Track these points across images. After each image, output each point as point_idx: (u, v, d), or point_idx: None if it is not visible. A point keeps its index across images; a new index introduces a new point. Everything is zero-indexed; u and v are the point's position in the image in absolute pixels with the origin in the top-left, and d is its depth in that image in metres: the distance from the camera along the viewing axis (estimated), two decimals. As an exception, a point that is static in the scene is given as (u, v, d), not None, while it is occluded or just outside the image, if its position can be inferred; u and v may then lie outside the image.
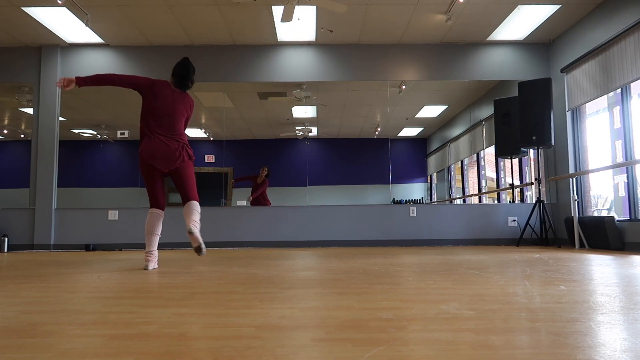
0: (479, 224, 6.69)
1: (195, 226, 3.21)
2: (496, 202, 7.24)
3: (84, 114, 6.97)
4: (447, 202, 7.23)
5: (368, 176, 7.04)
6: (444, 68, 6.89)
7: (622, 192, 5.50)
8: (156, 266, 3.44)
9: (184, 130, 3.53)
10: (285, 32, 6.43)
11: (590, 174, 6.20)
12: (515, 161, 7.03)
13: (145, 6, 5.67)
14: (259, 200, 6.92)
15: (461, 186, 7.47)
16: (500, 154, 6.53)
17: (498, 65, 6.89)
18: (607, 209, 7.07)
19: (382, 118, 7.09)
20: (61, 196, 6.66)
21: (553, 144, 5.99)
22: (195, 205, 3.36)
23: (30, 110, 6.77)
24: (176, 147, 3.36)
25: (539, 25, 6.29)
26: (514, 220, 6.69)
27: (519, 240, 6.15)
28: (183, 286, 2.36)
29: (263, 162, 6.99)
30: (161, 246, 6.56)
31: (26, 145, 6.73)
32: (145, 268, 3.30)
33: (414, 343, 1.19)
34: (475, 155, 7.36)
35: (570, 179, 6.21)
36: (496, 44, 6.90)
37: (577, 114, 6.34)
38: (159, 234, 3.40)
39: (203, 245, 3.16)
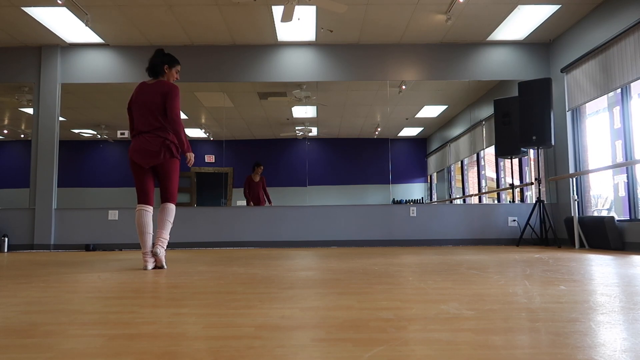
0: (479, 224, 6.69)
1: (162, 246, 3.33)
2: (496, 202, 7.24)
3: (84, 114, 6.97)
4: (447, 202, 7.23)
5: (368, 176, 7.04)
6: (444, 68, 6.89)
7: (622, 192, 5.50)
8: (164, 264, 3.46)
9: (165, 120, 3.38)
10: (285, 32, 6.43)
11: (590, 174, 6.20)
12: (515, 161, 7.03)
13: (145, 6, 5.67)
14: (259, 199, 6.90)
15: (461, 186, 7.46)
16: (500, 154, 6.53)
17: (498, 65, 6.89)
18: (607, 209, 7.08)
19: (382, 118, 7.09)
20: (61, 196, 6.66)
21: (553, 144, 5.99)
22: (169, 211, 3.41)
23: (30, 110, 6.77)
24: (157, 143, 3.34)
25: (538, 25, 6.29)
26: (514, 220, 6.69)
27: (519, 240, 6.14)
28: (183, 286, 2.36)
29: (263, 162, 6.98)
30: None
31: (26, 145, 6.73)
32: (145, 268, 3.31)
33: (414, 343, 1.19)
34: (475, 155, 7.36)
35: (570, 179, 6.21)
36: (496, 44, 6.90)
37: (577, 114, 6.34)
38: (151, 232, 3.41)
39: (165, 265, 3.38)
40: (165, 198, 3.45)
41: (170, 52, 6.85)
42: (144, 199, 3.41)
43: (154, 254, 3.32)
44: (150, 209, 3.42)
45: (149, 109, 3.38)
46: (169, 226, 3.40)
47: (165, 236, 3.38)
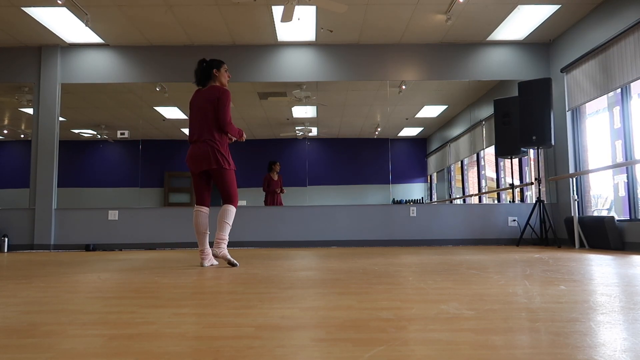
0: (479, 224, 6.69)
1: (220, 246, 3.43)
2: (496, 202, 7.24)
3: (84, 114, 6.97)
4: (447, 202, 7.23)
5: (368, 176, 7.04)
6: (444, 68, 6.89)
7: (622, 192, 5.50)
8: (215, 262, 3.62)
9: (216, 128, 3.49)
10: (285, 32, 6.43)
11: (590, 174, 6.20)
12: (515, 161, 7.03)
13: (145, 6, 5.67)
14: (276, 199, 6.90)
15: (461, 186, 7.46)
16: (500, 154, 6.53)
17: (498, 65, 6.89)
18: (607, 209, 7.08)
19: (382, 118, 7.09)
20: (61, 196, 6.66)
21: (553, 144, 5.99)
22: (225, 212, 3.48)
23: (30, 110, 6.77)
24: (205, 149, 3.47)
25: (538, 25, 6.29)
26: (514, 220, 6.69)
27: (519, 240, 6.14)
28: (183, 286, 2.36)
29: (263, 162, 6.99)
30: (160, 246, 6.56)
31: (26, 145, 6.73)
32: (201, 265, 3.54)
33: (414, 343, 1.19)
34: (475, 155, 7.36)
35: (570, 179, 6.21)
36: (496, 44, 6.90)
37: (577, 114, 6.34)
38: (207, 231, 3.57)
39: (233, 261, 3.47)
40: (224, 200, 3.57)
41: (171, 52, 6.86)
42: (198, 200, 3.60)
43: (214, 255, 3.45)
44: (204, 209, 3.59)
45: (200, 119, 3.51)
46: (226, 227, 3.48)
47: (222, 236, 3.46)
